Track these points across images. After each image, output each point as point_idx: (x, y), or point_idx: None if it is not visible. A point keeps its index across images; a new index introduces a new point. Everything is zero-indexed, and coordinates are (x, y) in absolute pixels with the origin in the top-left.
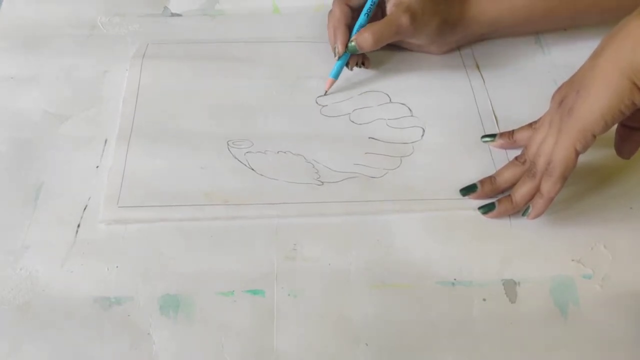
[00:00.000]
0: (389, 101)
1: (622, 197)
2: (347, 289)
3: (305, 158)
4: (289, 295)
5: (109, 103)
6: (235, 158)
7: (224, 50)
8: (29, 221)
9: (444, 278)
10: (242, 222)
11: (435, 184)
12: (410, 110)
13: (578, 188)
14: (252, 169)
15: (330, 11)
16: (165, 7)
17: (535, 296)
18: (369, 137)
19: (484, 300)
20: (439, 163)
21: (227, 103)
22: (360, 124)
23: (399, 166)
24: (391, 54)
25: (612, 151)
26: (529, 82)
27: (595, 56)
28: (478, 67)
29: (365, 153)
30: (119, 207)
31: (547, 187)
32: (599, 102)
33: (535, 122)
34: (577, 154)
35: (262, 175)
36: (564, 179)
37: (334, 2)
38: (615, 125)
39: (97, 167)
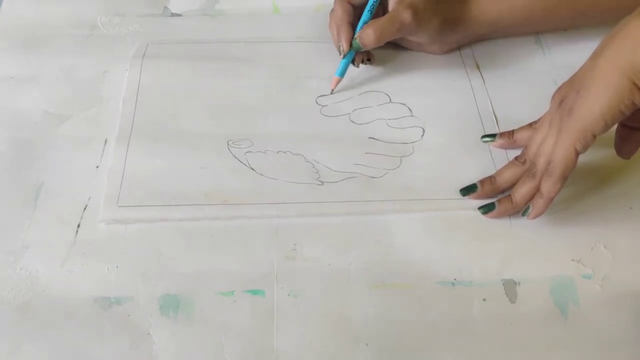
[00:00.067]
0: (389, 101)
1: (622, 197)
2: (347, 289)
3: (305, 158)
4: (289, 295)
5: (109, 103)
6: (235, 158)
7: (224, 50)
8: (29, 221)
9: (444, 278)
10: (242, 222)
11: (435, 184)
12: (410, 110)
13: (578, 188)
14: (252, 169)
15: (332, 10)
16: (165, 7)
17: (535, 296)
18: (369, 137)
19: (484, 300)
20: (439, 163)
21: (227, 103)
22: (360, 124)
23: (399, 166)
24: (391, 54)
25: (612, 151)
26: (529, 82)
27: (595, 56)
28: (478, 67)
29: (365, 153)
30: (119, 206)
31: (547, 187)
32: (599, 102)
33: (535, 122)
34: (577, 154)
35: (262, 175)
36: (564, 179)
37: (335, 0)
38: (615, 125)
39: (97, 167)
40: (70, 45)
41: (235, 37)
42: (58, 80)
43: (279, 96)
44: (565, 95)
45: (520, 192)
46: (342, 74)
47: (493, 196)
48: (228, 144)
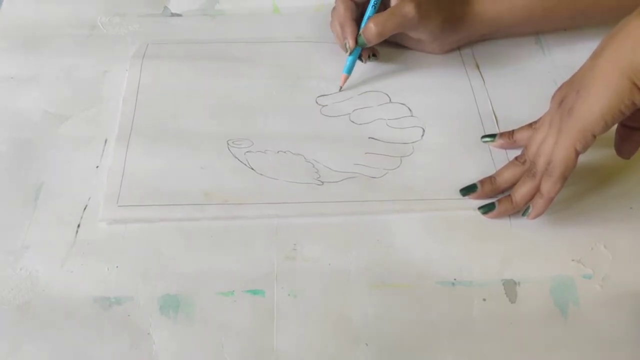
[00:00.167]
0: (389, 101)
1: (622, 197)
2: (347, 289)
3: (305, 158)
4: (289, 295)
5: (109, 103)
6: (235, 157)
7: (224, 50)
8: (29, 221)
9: (444, 278)
10: (242, 222)
11: (435, 184)
12: (410, 110)
13: (578, 188)
14: (252, 169)
15: (334, 8)
16: (165, 7)
17: (535, 296)
18: (369, 137)
19: (484, 300)
20: (439, 163)
21: (227, 103)
22: (360, 124)
23: (399, 166)
24: (391, 54)
25: (612, 151)
26: (529, 82)
27: (595, 56)
28: (478, 67)
29: (365, 153)
30: (119, 206)
31: (547, 187)
32: (599, 102)
33: (535, 122)
34: (577, 154)
35: (262, 174)
36: (564, 179)
37: None
38: (615, 125)
39: (97, 167)
40: (70, 45)
41: (235, 37)
42: (58, 80)
43: (279, 96)
44: (565, 95)
45: (520, 192)
46: (350, 71)
47: (493, 196)
48: (228, 144)
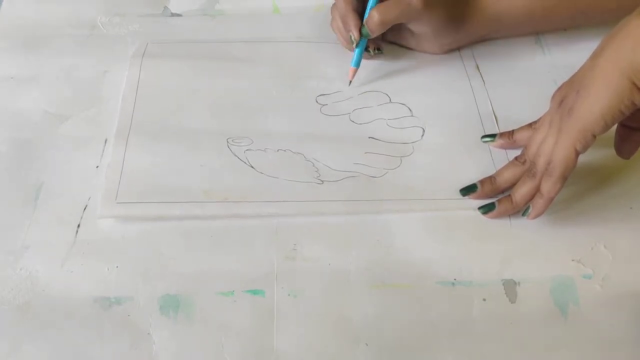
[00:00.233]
0: (389, 101)
1: (622, 197)
2: (347, 289)
3: (305, 156)
4: (289, 295)
5: (109, 103)
6: (235, 156)
7: (224, 50)
8: (29, 221)
9: (444, 278)
10: (242, 222)
11: (435, 184)
12: (410, 110)
13: (578, 188)
14: (252, 167)
15: (333, 4)
16: (165, 7)
17: (535, 296)
18: (369, 137)
19: (484, 300)
20: (439, 163)
21: (227, 102)
22: (360, 124)
23: (399, 166)
24: (391, 54)
25: (612, 151)
26: (529, 82)
27: (595, 56)
28: (478, 67)
29: (365, 153)
30: (117, 203)
31: (547, 187)
32: (599, 102)
33: (535, 122)
34: (577, 154)
35: (261, 173)
36: (564, 179)
37: None
38: (615, 125)
39: (97, 167)
40: (70, 45)
41: (235, 37)
42: (58, 80)
43: (279, 96)
44: (565, 95)
45: (520, 192)
46: (358, 64)
47: (493, 196)
48: (228, 142)
